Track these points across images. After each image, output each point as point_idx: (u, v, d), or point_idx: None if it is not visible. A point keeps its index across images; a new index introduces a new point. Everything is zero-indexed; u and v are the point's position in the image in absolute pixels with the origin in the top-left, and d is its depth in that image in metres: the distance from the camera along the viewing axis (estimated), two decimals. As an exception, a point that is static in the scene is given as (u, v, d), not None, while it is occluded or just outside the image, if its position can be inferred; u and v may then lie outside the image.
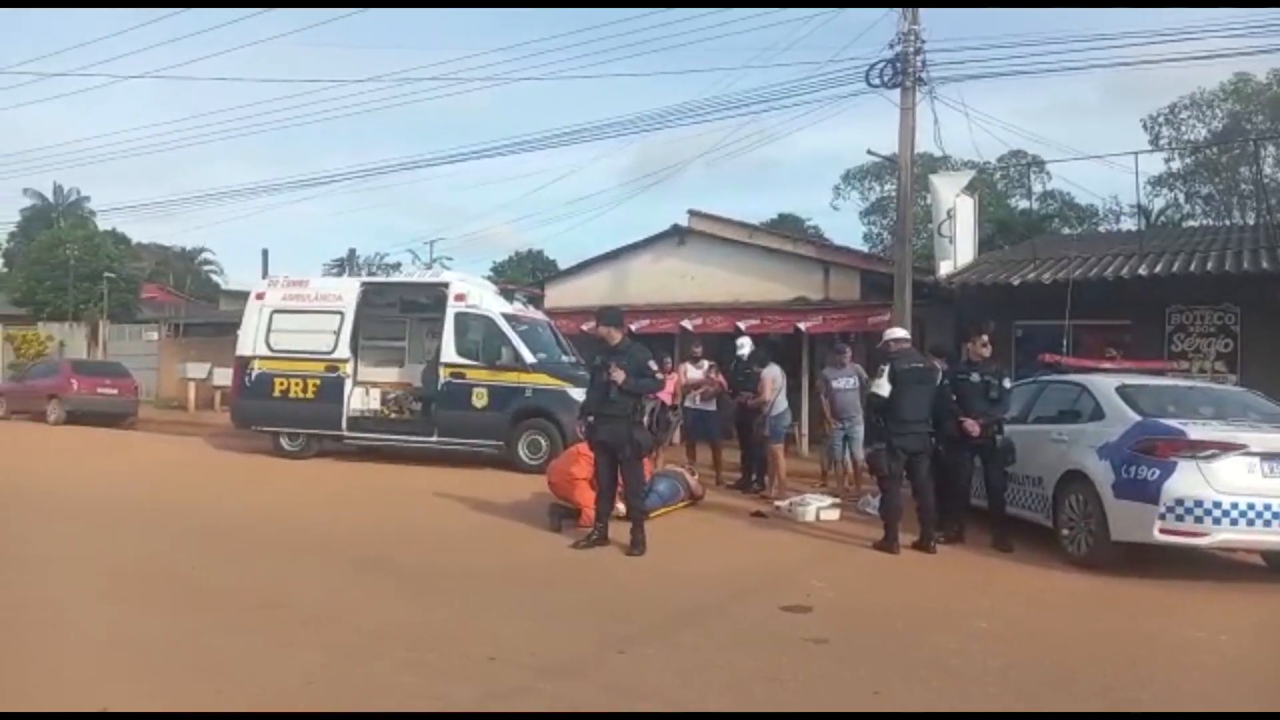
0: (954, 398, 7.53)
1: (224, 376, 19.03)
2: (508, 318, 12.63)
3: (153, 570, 6.14)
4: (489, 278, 18.42)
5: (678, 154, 56.68)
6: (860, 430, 9.24)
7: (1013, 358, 12.44)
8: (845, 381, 10.00)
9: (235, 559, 6.56)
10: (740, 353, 10.84)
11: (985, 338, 7.72)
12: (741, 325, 14.36)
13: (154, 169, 72.28)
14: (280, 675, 4.09)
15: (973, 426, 7.32)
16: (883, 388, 7.05)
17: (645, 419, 7.02)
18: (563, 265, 25.45)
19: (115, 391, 19.34)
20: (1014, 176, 34.06)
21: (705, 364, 11.30)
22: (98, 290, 30.18)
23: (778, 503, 8.99)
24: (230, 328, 21.03)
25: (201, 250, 55.69)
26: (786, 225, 34.71)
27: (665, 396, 10.13)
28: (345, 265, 37.00)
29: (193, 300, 40.97)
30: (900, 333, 8.03)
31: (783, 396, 10.30)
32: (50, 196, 49.71)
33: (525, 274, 40.47)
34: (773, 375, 10.22)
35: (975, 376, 7.57)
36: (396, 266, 37.79)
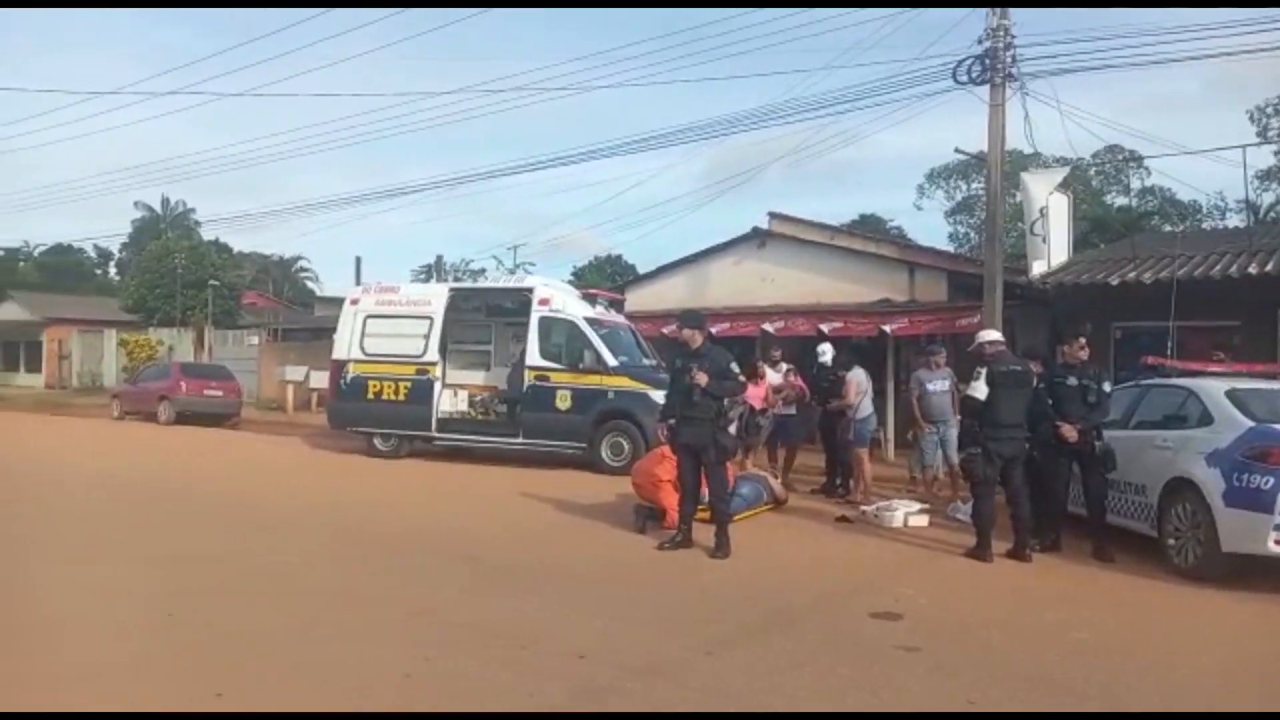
0: (1050, 402, 7.30)
1: (320, 379, 19.77)
2: (590, 321, 12.80)
3: (258, 565, 6.43)
4: (569, 282, 18.67)
5: (757, 157, 56.31)
6: (955, 434, 9.03)
7: (1111, 361, 11.96)
8: (939, 384, 9.75)
9: (336, 555, 6.83)
10: (822, 359, 10.71)
11: (1083, 340, 7.46)
12: (824, 328, 14.20)
13: (253, 181, 75.76)
14: (380, 669, 4.25)
15: (1070, 431, 7.09)
16: (979, 390, 6.86)
17: (735, 423, 7.02)
18: (641, 269, 25.62)
19: (220, 393, 20.34)
20: (1109, 172, 32.74)
21: (784, 367, 11.21)
22: (203, 297, 31.75)
23: (864, 507, 8.86)
24: (325, 332, 21.88)
25: (298, 258, 58.18)
26: (868, 226, 34.18)
27: (756, 401, 10.10)
28: (433, 271, 38.01)
29: (290, 306, 42.69)
30: (995, 335, 7.81)
31: (868, 400, 10.13)
32: (158, 209, 52.77)
33: (604, 278, 40.88)
34: (857, 378, 10.07)
35: (1072, 380, 7.32)
36: (481, 272, 38.62)
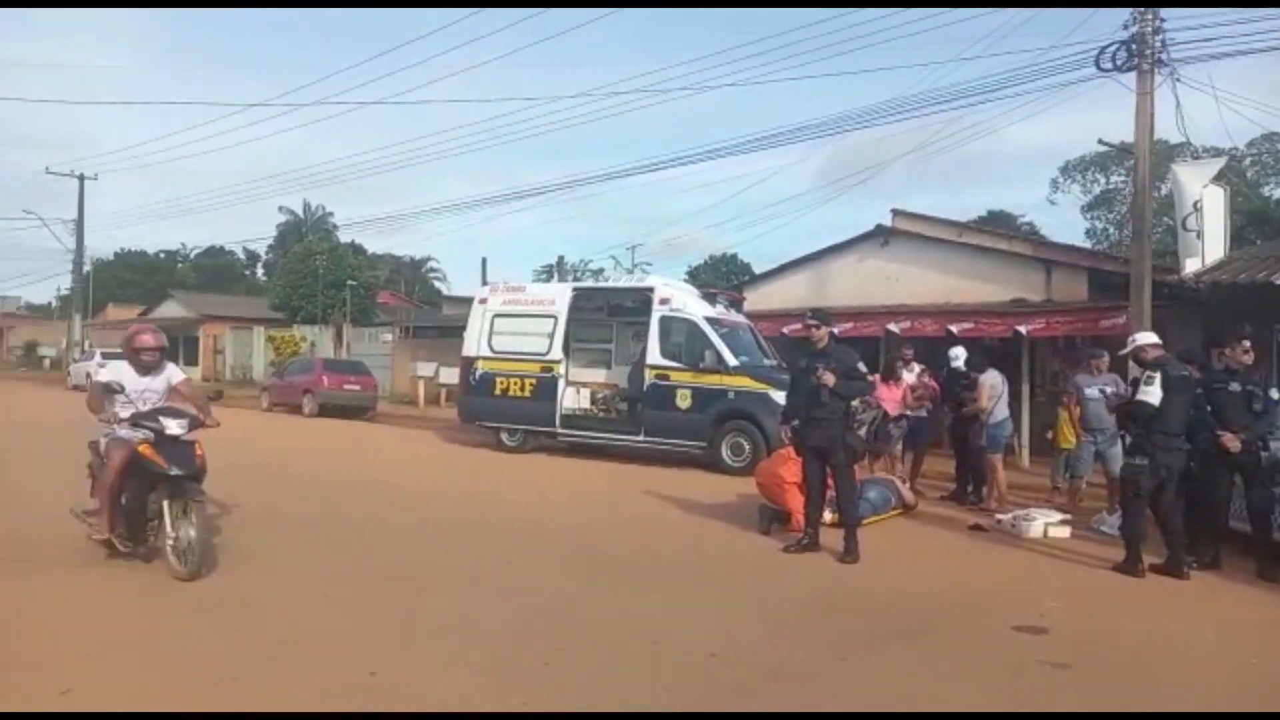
0: (1209, 409, 6.82)
1: (449, 375, 20.57)
2: (710, 321, 12.82)
3: (404, 552, 6.74)
4: (685, 281, 18.73)
5: (879, 153, 54.96)
6: (1116, 445, 8.47)
7: (1274, 366, 11.06)
8: (1099, 390, 9.09)
9: (475, 546, 7.06)
10: (955, 364, 10.35)
11: (1247, 343, 6.93)
12: (954, 328, 13.73)
13: (387, 186, 79.65)
14: (521, 658, 4.40)
15: (1232, 441, 6.60)
16: (1154, 396, 6.43)
17: (865, 429, 6.88)
18: (757, 268, 25.43)
19: (358, 388, 21.47)
20: (1267, 163, 30.25)
21: (916, 368, 10.89)
22: (341, 296, 33.53)
23: (999, 516, 8.51)
24: (453, 330, 22.75)
25: (428, 259, 60.81)
26: (997, 222, 32.79)
27: (891, 405, 9.82)
28: (553, 271, 38.94)
29: (420, 305, 44.57)
30: (1154, 337, 7.31)
31: (1003, 404, 9.72)
32: (301, 213, 56.06)
33: (719, 277, 40.75)
34: (991, 381, 9.68)
35: (1235, 386, 6.81)
36: (600, 272, 39.30)
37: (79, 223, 35.90)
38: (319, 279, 34.05)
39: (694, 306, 13.06)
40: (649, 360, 12.91)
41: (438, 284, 59.53)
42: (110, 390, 5.77)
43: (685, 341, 12.81)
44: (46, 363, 44.48)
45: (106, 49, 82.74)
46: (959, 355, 10.43)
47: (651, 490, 10.07)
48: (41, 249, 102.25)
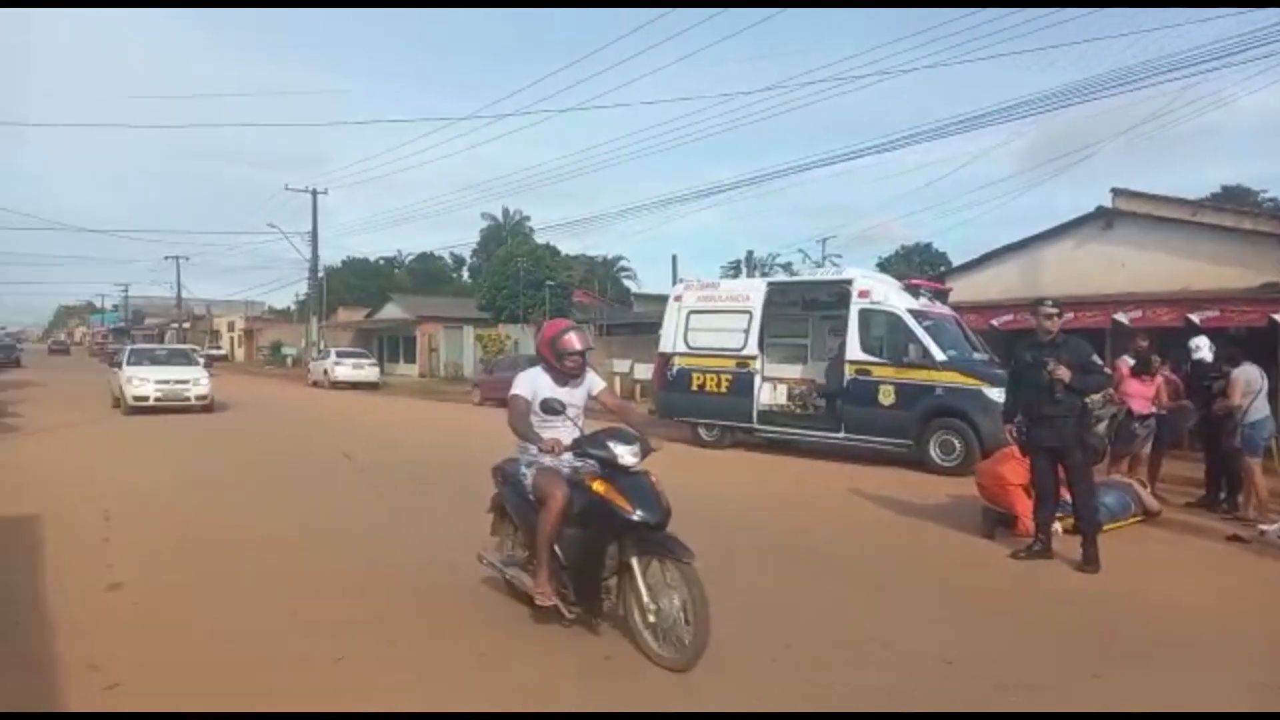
0: None
1: (642, 371, 21.07)
2: (914, 313, 12.30)
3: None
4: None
5: (1089, 133, 50.51)
6: None
7: None
8: None
9: (698, 541, 6.83)
10: (1197, 356, 9.34)
11: None
12: (1195, 317, 12.44)
13: (580, 189, 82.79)
14: (747, 653, 4.43)
15: None
16: None
17: (1104, 425, 6.37)
18: (954, 258, 24.16)
19: (558, 384, 22.48)
20: None
21: (1155, 360, 9.91)
22: (540, 296, 35.25)
23: (1262, 527, 7.60)
24: (644, 328, 23.26)
25: (619, 258, 62.66)
26: (1234, 199, 29.38)
27: (1140, 404, 9.04)
28: (741, 267, 38.99)
29: (612, 303, 46.01)
30: None
31: (1261, 401, 8.66)
32: (500, 218, 59.40)
33: (912, 268, 39.24)
34: (1246, 376, 8.64)
35: None
36: (787, 265, 38.92)
37: (314, 234, 39.67)
38: (520, 280, 35.92)
39: (895, 299, 12.57)
40: (849, 355, 12.57)
41: (628, 282, 61.16)
42: (552, 410, 4.58)
43: (887, 335, 12.37)
44: (289, 361, 49.87)
45: (334, 74, 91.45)
46: (1201, 346, 9.40)
47: (858, 489, 9.84)
48: (283, 259, 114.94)
